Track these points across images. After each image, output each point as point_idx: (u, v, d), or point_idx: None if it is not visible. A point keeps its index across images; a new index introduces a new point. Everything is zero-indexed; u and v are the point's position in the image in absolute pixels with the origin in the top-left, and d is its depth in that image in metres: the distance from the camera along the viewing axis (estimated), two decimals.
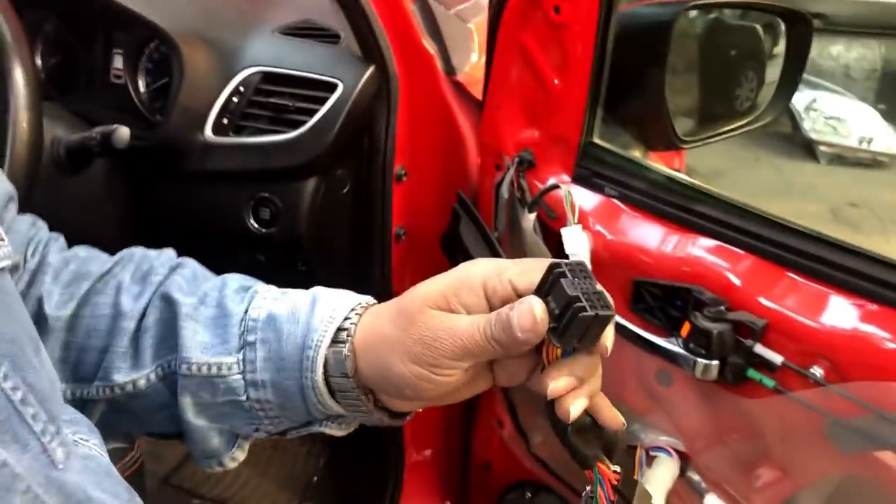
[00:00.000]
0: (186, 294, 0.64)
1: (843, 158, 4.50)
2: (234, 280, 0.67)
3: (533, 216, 0.98)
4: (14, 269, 0.58)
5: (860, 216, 3.89)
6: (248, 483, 1.68)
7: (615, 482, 0.59)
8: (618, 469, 0.60)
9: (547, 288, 0.53)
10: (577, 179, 0.97)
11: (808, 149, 4.61)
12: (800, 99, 4.59)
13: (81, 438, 0.51)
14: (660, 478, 0.92)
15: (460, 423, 1.40)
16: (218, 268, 1.29)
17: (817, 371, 0.77)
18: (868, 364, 0.74)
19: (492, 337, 0.53)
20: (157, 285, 0.66)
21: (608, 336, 0.54)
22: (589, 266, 0.54)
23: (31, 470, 0.43)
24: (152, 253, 0.71)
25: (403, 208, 1.22)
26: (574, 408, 0.53)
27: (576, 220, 0.93)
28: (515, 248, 1.00)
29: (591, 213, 0.95)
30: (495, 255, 0.98)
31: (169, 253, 0.71)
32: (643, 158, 1.01)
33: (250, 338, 0.61)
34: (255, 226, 1.16)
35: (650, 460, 0.95)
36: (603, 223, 0.93)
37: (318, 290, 0.63)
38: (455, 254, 1.05)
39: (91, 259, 0.69)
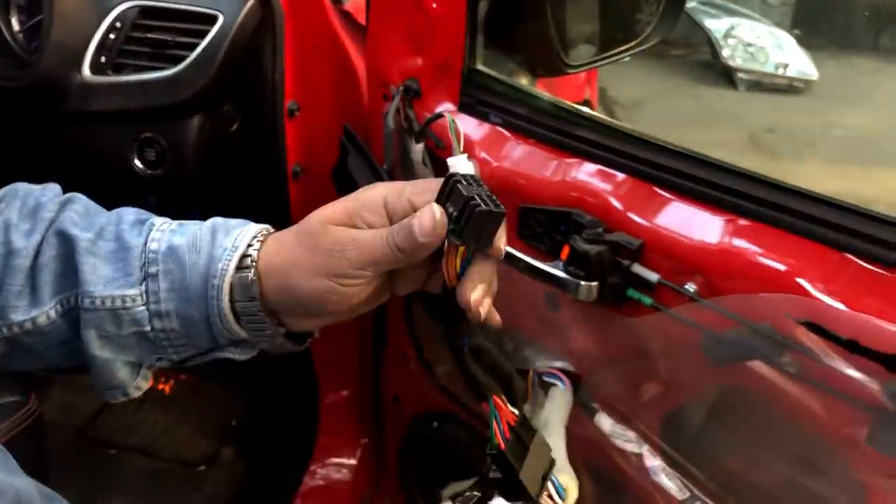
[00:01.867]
0: (82, 229, 0.64)
1: (761, 84, 4.58)
2: (130, 213, 0.67)
3: (421, 147, 0.97)
4: None
5: (777, 141, 3.99)
6: (167, 430, 1.67)
7: (512, 422, 0.60)
8: (515, 411, 0.61)
9: (445, 195, 0.57)
10: (463, 108, 0.96)
11: (727, 76, 4.68)
12: (718, 26, 4.64)
13: None
14: (557, 409, 0.94)
15: (371, 361, 1.40)
16: (110, 207, 1.24)
17: (691, 287, 0.79)
18: (739, 277, 0.76)
19: (394, 244, 0.57)
20: (50, 221, 0.65)
21: (501, 238, 0.58)
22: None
23: None
24: (36, 188, 0.69)
25: (299, 145, 1.19)
26: (483, 307, 0.58)
27: (461, 149, 0.92)
28: (407, 174, 0.99)
29: (478, 142, 0.94)
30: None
31: (54, 188, 0.70)
32: (530, 85, 1.00)
33: (152, 269, 0.62)
34: (141, 167, 1.13)
35: (544, 386, 0.97)
36: (489, 151, 0.93)
37: (216, 220, 0.65)
38: (346, 189, 1.03)
39: None
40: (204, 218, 1.21)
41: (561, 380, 0.95)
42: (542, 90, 1.00)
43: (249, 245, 0.61)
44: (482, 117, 0.95)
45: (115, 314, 0.62)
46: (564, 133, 0.89)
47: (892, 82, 4.63)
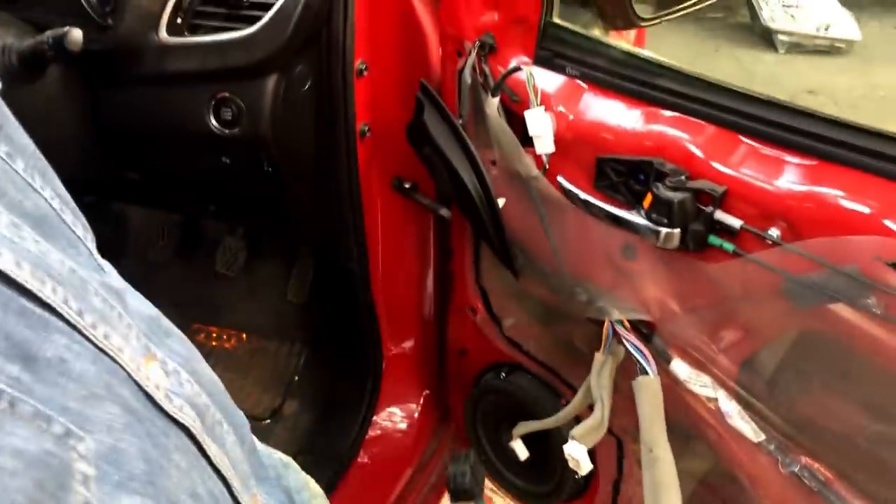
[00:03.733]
0: None
1: (801, 46, 4.51)
2: None
3: (496, 100, 0.99)
4: None
5: (818, 103, 3.94)
6: (231, 386, 1.69)
7: None
8: None
9: None
10: (539, 61, 0.97)
11: (766, 38, 4.60)
12: None
13: None
14: (653, 414, 0.94)
15: (435, 314, 1.43)
16: (183, 172, 1.28)
17: (774, 232, 0.80)
18: (822, 221, 0.77)
19: None
20: None
21: None
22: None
23: (91, 275, 0.44)
24: None
25: (366, 104, 1.21)
26: None
27: (538, 102, 0.94)
28: (480, 133, 1.01)
29: (554, 95, 0.95)
30: (461, 141, 0.99)
31: None
32: (603, 37, 1.01)
33: None
34: (218, 127, 1.15)
35: (617, 337, 0.99)
36: (565, 104, 0.94)
37: None
38: (421, 144, 1.06)
39: None
40: (277, 177, 1.24)
41: (646, 360, 0.94)
42: None
43: None
44: (559, 70, 0.96)
45: None
46: (643, 83, 0.90)
47: None
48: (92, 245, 0.48)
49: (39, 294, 0.39)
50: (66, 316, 0.40)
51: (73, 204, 0.48)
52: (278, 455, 0.75)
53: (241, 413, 0.63)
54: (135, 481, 0.38)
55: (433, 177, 1.13)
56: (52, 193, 0.46)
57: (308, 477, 0.74)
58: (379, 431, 1.48)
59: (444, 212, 1.24)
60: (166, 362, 0.47)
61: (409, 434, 1.48)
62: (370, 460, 1.45)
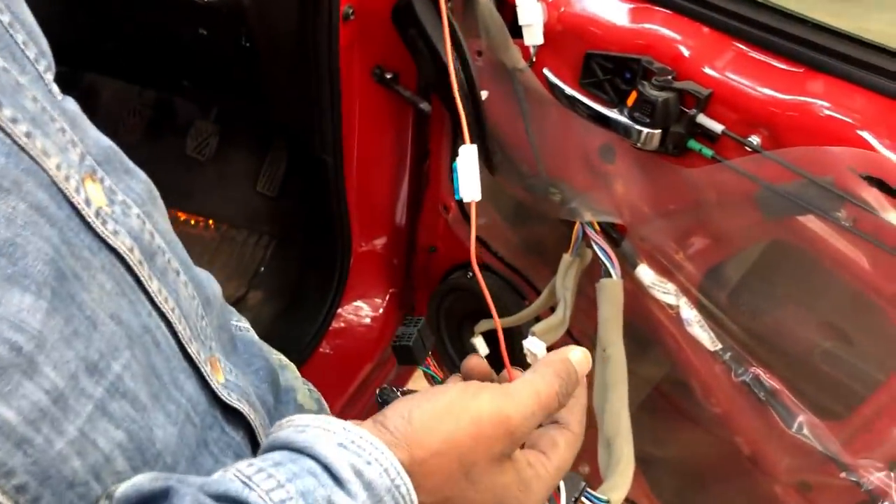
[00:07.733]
0: None
1: None
2: None
3: None
4: None
5: None
6: None
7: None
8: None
9: None
10: None
11: None
12: None
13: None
14: (606, 305, 0.95)
15: (407, 212, 1.42)
16: (161, 39, 1.23)
17: (755, 139, 0.80)
18: (803, 130, 0.77)
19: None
20: None
21: None
22: None
23: (33, 87, 0.42)
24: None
25: None
26: None
27: None
28: (468, 21, 0.98)
29: None
30: (448, 25, 0.96)
31: None
32: None
33: None
34: None
35: (587, 240, 0.99)
36: None
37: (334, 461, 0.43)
38: (407, 26, 1.03)
39: None
40: (255, 53, 1.21)
41: (612, 262, 0.94)
42: None
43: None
44: None
45: None
46: None
47: None
48: (47, 74, 0.45)
49: None
50: None
51: (35, 33, 0.46)
52: (277, 355, 0.73)
53: (209, 281, 0.61)
54: (29, 279, 0.37)
55: (416, 63, 1.10)
56: (9, 15, 0.43)
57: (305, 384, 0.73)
58: (343, 325, 1.48)
59: (424, 105, 1.21)
60: (115, 191, 0.46)
61: (372, 329, 1.48)
62: (332, 352, 1.46)
